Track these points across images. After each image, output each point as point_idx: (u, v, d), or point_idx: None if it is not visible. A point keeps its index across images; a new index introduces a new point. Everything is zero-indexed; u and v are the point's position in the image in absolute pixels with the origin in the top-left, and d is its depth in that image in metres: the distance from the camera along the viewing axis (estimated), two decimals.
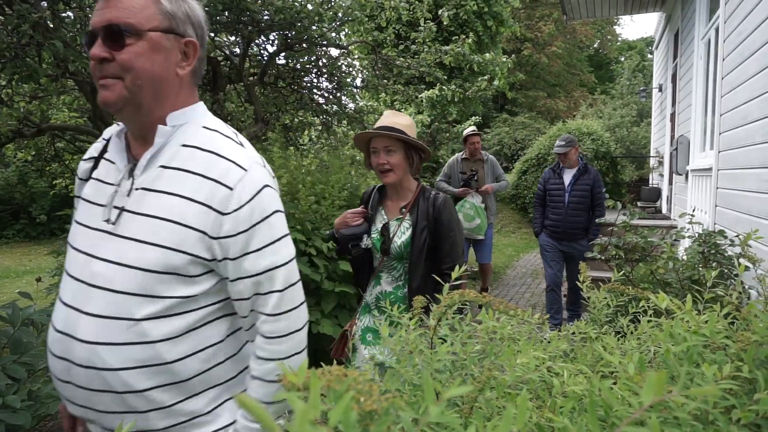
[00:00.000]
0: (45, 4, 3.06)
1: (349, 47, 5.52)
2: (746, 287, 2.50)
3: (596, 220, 4.69)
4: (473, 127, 5.72)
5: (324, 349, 3.38)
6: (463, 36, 6.07)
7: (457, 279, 1.03)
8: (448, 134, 10.41)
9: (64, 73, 3.16)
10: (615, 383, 0.70)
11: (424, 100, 8.18)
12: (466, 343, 0.97)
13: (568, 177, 4.85)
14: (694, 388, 0.37)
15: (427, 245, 2.11)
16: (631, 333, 0.99)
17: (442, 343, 0.87)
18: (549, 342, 0.96)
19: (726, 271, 2.69)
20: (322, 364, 0.47)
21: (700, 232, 2.88)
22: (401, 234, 2.16)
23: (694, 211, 4.68)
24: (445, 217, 2.14)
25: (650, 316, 0.99)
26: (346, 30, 5.64)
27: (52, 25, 3.04)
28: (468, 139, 5.71)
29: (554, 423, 0.66)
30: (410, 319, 0.90)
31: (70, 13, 3.25)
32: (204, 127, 1.14)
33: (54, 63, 3.08)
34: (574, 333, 1.05)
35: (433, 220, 2.14)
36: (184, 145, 1.09)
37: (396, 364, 0.88)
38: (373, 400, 0.31)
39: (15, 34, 2.88)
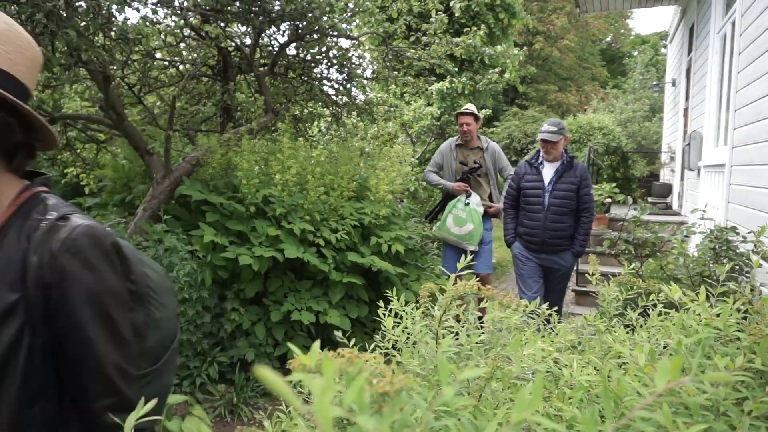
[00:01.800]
0: None
1: (360, 38, 5.50)
2: (758, 284, 2.48)
3: (584, 228, 3.80)
4: (468, 105, 4.58)
5: (332, 339, 3.39)
6: (475, 28, 6.03)
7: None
8: (457, 127, 10.35)
9: (77, 62, 3.17)
10: (625, 374, 0.70)
11: (434, 92, 8.14)
12: (470, 334, 0.97)
13: (548, 173, 3.86)
14: (708, 374, 0.37)
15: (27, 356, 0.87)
16: (641, 326, 0.98)
17: (448, 334, 0.87)
18: (557, 334, 0.96)
19: (738, 267, 2.67)
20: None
21: (712, 228, 2.85)
22: None
23: (706, 207, 4.62)
24: (72, 290, 0.87)
25: (661, 309, 0.99)
26: (357, 21, 5.62)
27: (65, 15, 3.06)
28: (457, 120, 4.62)
29: (563, 413, 0.66)
30: (416, 308, 0.90)
31: (83, 3, 3.26)
32: None
33: (67, 52, 3.09)
34: (582, 326, 1.04)
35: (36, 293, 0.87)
36: None
37: (401, 356, 0.88)
38: (385, 382, 0.31)
39: (29, 22, 2.89)
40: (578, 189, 3.80)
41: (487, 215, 4.49)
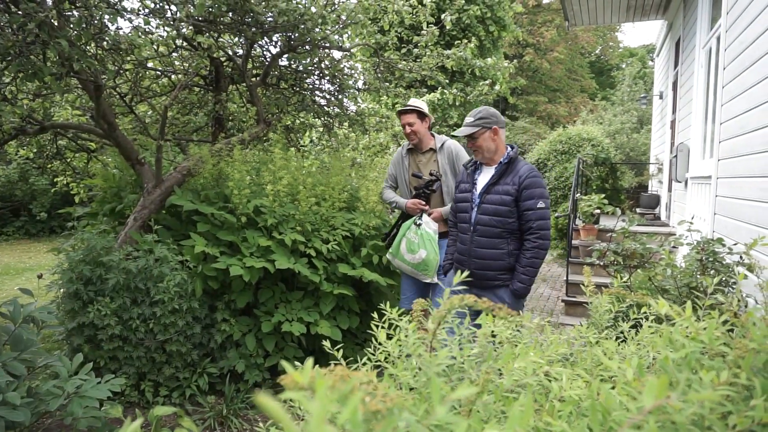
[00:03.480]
0: (50, 3, 3.07)
1: (352, 50, 5.54)
2: (744, 295, 2.51)
3: (528, 257, 2.81)
4: (411, 100, 3.71)
5: (322, 349, 3.38)
6: (466, 40, 6.09)
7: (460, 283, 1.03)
8: None
9: (69, 71, 3.17)
10: (614, 388, 0.71)
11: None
12: (463, 347, 0.98)
13: (484, 178, 3.01)
14: (693, 394, 0.38)
15: None
16: (632, 338, 1.00)
17: (442, 348, 0.88)
18: (549, 346, 0.97)
19: (724, 279, 2.70)
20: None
21: (699, 239, 2.89)
22: None
23: (693, 218, 4.69)
24: None
25: (651, 322, 1.00)
26: (349, 32, 5.66)
27: (57, 24, 3.06)
28: (400, 119, 3.70)
29: (552, 427, 0.67)
30: (409, 322, 0.91)
31: (75, 12, 3.26)
32: None
33: (59, 62, 3.09)
34: (575, 337, 1.06)
35: None
36: None
37: (394, 369, 0.89)
38: (377, 401, 0.32)
39: (20, 32, 2.89)
40: (516, 201, 2.83)
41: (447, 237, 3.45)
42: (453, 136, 4.06)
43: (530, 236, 2.83)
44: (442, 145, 3.66)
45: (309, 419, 0.29)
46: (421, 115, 3.63)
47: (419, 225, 3.47)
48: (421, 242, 3.43)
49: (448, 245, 3.28)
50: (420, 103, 3.68)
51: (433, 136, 3.73)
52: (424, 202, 3.59)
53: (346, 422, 0.33)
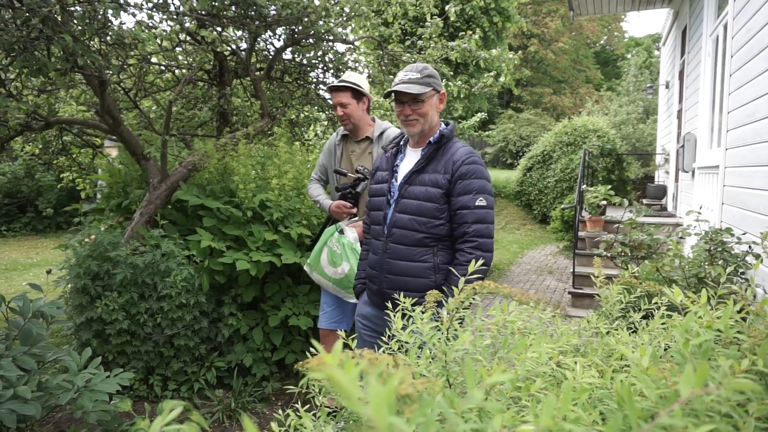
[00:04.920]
0: None
1: (356, 42, 5.51)
2: (754, 285, 2.50)
3: (460, 272, 1.84)
4: (346, 74, 3.03)
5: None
6: (470, 32, 6.06)
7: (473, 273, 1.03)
8: None
9: (73, 67, 3.17)
10: (628, 377, 0.70)
11: None
12: (474, 337, 0.98)
13: (407, 164, 2.25)
14: (730, 381, 0.38)
15: None
16: (643, 329, 0.99)
17: (460, 334, 0.87)
18: (560, 336, 0.97)
19: (733, 268, 2.69)
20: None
21: (707, 229, 2.87)
22: None
23: (700, 208, 4.65)
24: None
25: (663, 312, 1.00)
26: (353, 25, 5.63)
27: (61, 20, 3.06)
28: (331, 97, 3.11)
29: (568, 415, 0.67)
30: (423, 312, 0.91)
31: (78, 8, 3.26)
32: None
33: (63, 57, 3.09)
34: (585, 328, 1.05)
35: None
36: None
37: (408, 358, 0.89)
38: (408, 384, 0.32)
39: (24, 27, 2.89)
40: (448, 195, 2.07)
41: None
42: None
43: (464, 246, 2.05)
44: (381, 134, 2.94)
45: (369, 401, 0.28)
46: (358, 94, 2.93)
47: (343, 232, 2.85)
48: (344, 254, 2.77)
49: (360, 258, 2.47)
50: (358, 77, 2.98)
51: (374, 121, 3.06)
52: (351, 205, 2.91)
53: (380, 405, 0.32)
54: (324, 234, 2.94)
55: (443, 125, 2.25)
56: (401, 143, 2.32)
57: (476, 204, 2.05)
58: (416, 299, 1.54)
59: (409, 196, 2.14)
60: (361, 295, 2.42)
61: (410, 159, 2.24)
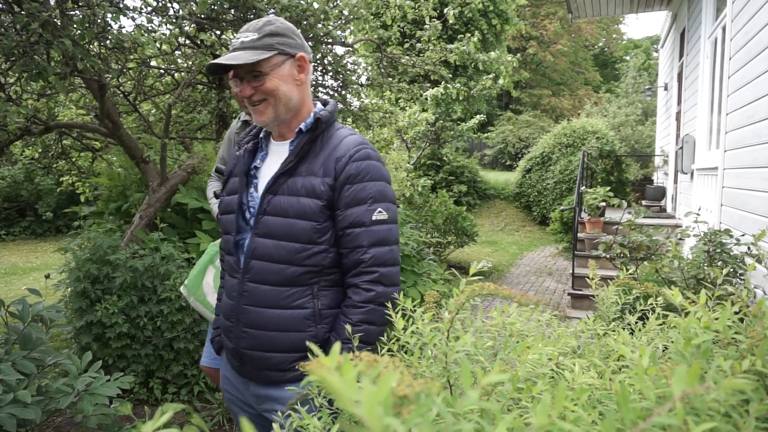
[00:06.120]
0: (53, 2, 3.08)
1: (355, 45, 5.53)
2: (753, 286, 2.50)
3: (355, 318, 1.36)
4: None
5: None
6: (468, 34, 6.07)
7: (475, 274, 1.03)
8: (452, 132, 10.42)
9: (73, 71, 3.18)
10: (628, 377, 0.71)
11: (428, 98, 8.18)
12: (475, 339, 0.98)
13: (271, 164, 1.52)
14: (728, 382, 0.38)
15: None
16: (640, 330, 1.00)
17: (461, 335, 0.88)
18: (558, 338, 0.97)
19: (732, 270, 2.69)
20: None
21: (706, 231, 2.88)
22: None
23: (699, 210, 4.66)
24: None
25: (658, 313, 1.00)
26: (352, 28, 5.65)
27: (60, 24, 3.06)
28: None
29: (567, 415, 0.67)
30: (424, 312, 0.91)
31: (78, 12, 3.26)
32: None
33: (62, 61, 3.10)
34: (582, 330, 1.06)
35: None
36: None
37: (410, 358, 0.89)
38: (405, 385, 0.32)
39: (24, 32, 2.90)
40: (331, 206, 1.42)
41: None
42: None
43: (359, 280, 1.41)
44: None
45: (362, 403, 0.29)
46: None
47: None
48: None
49: (218, 298, 1.71)
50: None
51: None
52: None
53: (377, 406, 0.33)
54: (210, 248, 2.24)
55: (319, 105, 1.56)
56: (261, 136, 1.58)
57: (373, 219, 1.40)
58: (291, 363, 1.29)
59: (273, 212, 1.42)
60: (222, 351, 1.66)
61: (274, 158, 1.51)
